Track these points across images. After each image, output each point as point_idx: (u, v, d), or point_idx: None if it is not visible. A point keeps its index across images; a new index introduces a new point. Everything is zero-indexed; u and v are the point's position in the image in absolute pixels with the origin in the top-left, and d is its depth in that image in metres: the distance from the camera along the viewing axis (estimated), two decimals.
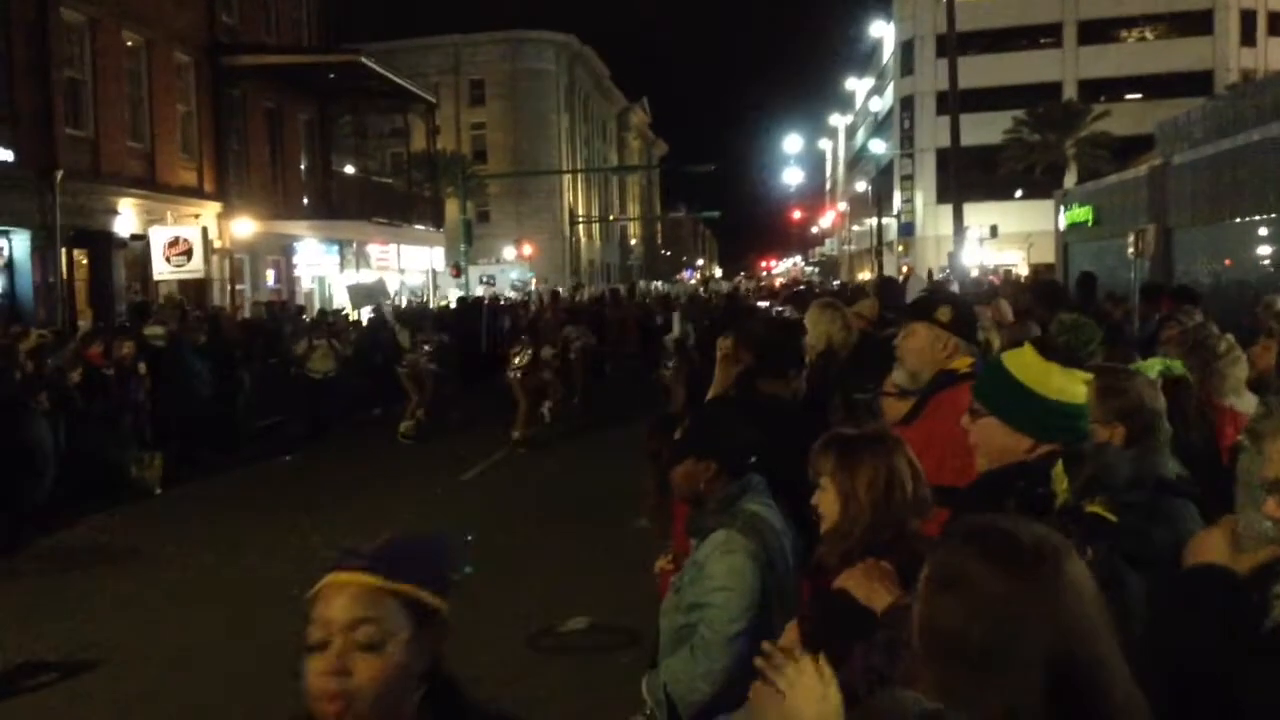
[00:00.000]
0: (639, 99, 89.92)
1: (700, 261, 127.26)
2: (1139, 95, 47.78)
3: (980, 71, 43.88)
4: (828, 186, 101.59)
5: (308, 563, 9.11)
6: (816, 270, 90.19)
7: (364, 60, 26.69)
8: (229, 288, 24.01)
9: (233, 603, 8.08)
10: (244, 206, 24.55)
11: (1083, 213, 28.93)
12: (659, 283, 59.34)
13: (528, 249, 47.42)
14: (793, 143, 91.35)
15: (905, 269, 41.72)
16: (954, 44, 25.25)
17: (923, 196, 53.15)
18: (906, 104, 54.38)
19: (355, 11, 60.56)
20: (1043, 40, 52.00)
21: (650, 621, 3.80)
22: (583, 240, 69.46)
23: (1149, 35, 51.43)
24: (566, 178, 63.74)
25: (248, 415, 15.82)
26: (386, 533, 1.81)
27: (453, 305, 28.50)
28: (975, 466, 2.76)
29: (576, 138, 69.81)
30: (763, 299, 29.87)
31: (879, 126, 64.65)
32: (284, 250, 27.54)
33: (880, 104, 64.95)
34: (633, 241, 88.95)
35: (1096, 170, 37.38)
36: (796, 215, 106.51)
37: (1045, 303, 8.25)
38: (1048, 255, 36.11)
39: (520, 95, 61.88)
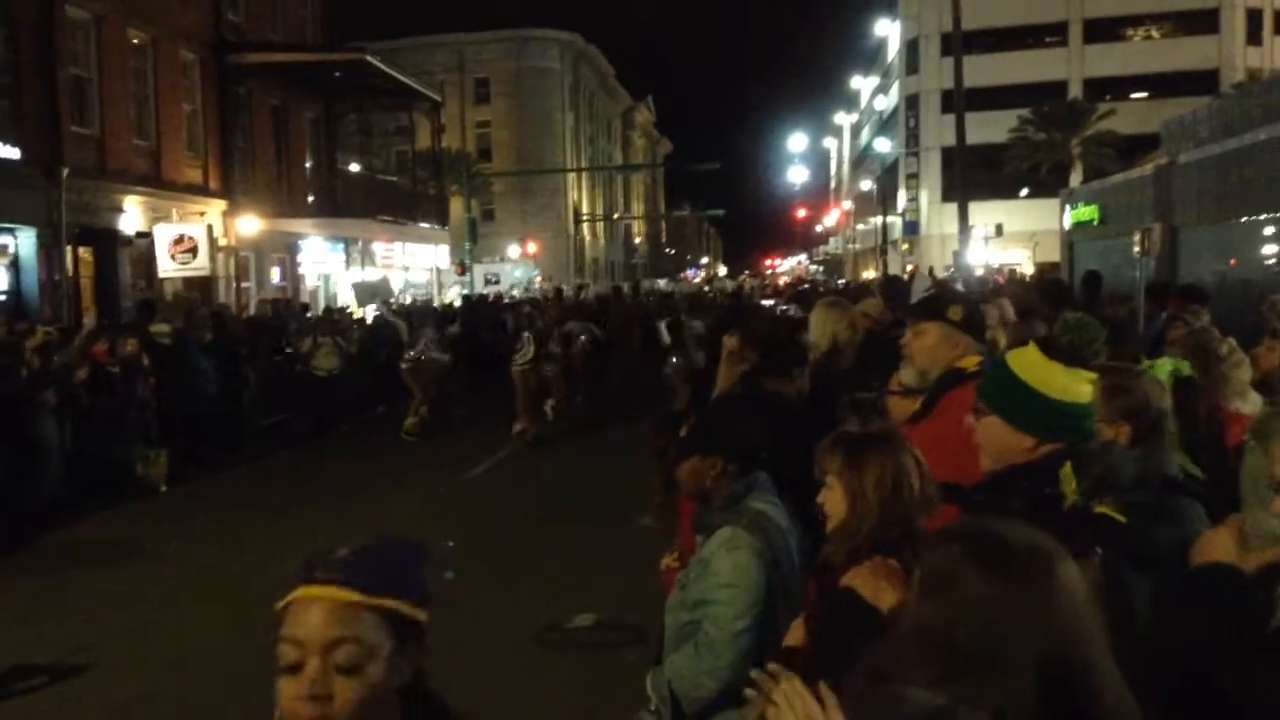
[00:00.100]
0: (644, 97, 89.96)
1: (705, 260, 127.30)
2: (1145, 94, 47.69)
3: (985, 70, 43.84)
4: (832, 185, 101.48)
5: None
6: (821, 269, 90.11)
7: (369, 58, 26.72)
8: (234, 285, 24.05)
9: (235, 602, 8.08)
10: (249, 204, 24.58)
11: (1088, 212, 28.89)
12: (661, 281, 59.31)
13: (532, 247, 47.49)
14: (797, 141, 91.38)
15: (910, 268, 41.68)
16: (959, 42, 25.25)
17: (928, 195, 53.08)
18: (911, 102, 54.29)
19: (360, 9, 60.68)
20: (1048, 39, 51.89)
21: (656, 619, 3.81)
22: (587, 239, 69.50)
23: (1155, 34, 51.34)
24: (571, 176, 63.79)
25: (253, 413, 15.84)
26: (357, 537, 1.68)
27: (456, 304, 28.50)
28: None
29: (581, 136, 69.84)
30: (767, 298, 29.89)
31: (884, 125, 64.58)
32: (289, 248, 27.57)
33: (885, 102, 64.88)
34: (637, 240, 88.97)
35: (1102, 169, 37.32)
36: (801, 214, 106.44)
37: (1051, 302, 8.23)
38: (1053, 254, 36.05)
39: (525, 94, 61.93)
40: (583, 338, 18.70)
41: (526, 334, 15.64)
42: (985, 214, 37.57)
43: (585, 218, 68.08)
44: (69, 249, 18.79)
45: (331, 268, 30.02)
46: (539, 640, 7.09)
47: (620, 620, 7.10)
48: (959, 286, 16.73)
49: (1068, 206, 30.97)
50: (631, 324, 24.03)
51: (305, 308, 23.44)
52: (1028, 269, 39.43)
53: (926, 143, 52.71)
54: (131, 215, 20.63)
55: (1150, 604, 2.25)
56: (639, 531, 9.08)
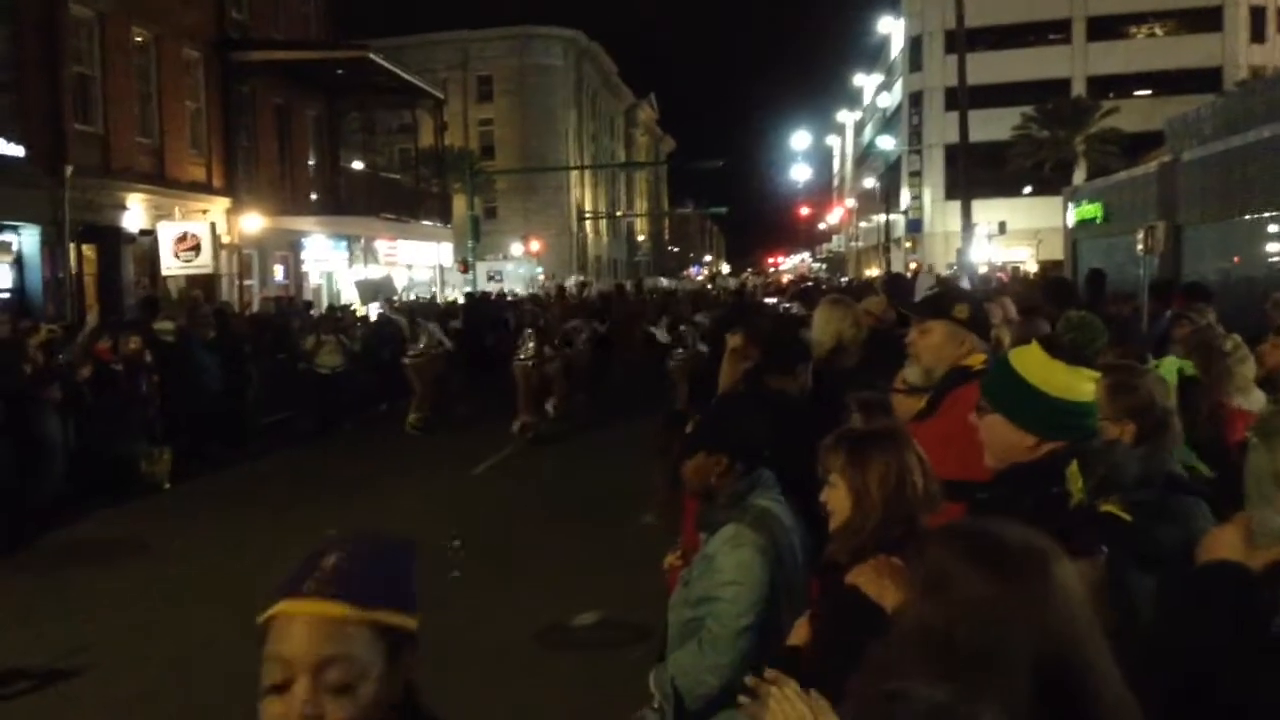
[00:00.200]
0: (647, 95, 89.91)
1: (708, 258, 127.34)
2: (1148, 92, 47.64)
3: (989, 67, 43.79)
4: (835, 183, 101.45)
5: None
6: (824, 267, 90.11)
7: (372, 56, 26.70)
8: (237, 283, 24.05)
9: (237, 600, 8.06)
10: (252, 202, 24.59)
11: (1092, 209, 28.87)
12: (664, 279, 59.32)
13: (535, 245, 47.48)
14: (800, 139, 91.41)
15: (914, 265, 41.65)
16: (963, 40, 25.22)
17: (931, 193, 53.03)
18: (915, 100, 54.26)
19: (363, 7, 60.63)
20: (1052, 36, 51.82)
21: (659, 617, 3.81)
22: (590, 236, 69.49)
23: (1158, 31, 51.27)
24: (574, 174, 63.78)
25: (256, 411, 15.86)
26: (347, 536, 1.57)
27: (459, 301, 28.50)
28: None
29: (584, 134, 69.83)
30: (770, 295, 29.87)
31: (887, 123, 64.53)
32: (292, 246, 27.59)
33: (888, 100, 64.82)
34: (640, 238, 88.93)
35: (1105, 167, 37.27)
36: (804, 211, 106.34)
37: (1054, 300, 8.23)
38: (1056, 252, 36.02)
39: (528, 91, 61.92)
40: (584, 335, 18.71)
41: (528, 330, 15.65)
42: (988, 212, 37.55)
43: (588, 215, 68.08)
44: (73, 247, 18.80)
45: (334, 265, 30.03)
46: (541, 639, 7.09)
47: (623, 619, 7.10)
48: (964, 284, 16.68)
49: (1071, 204, 30.95)
50: (634, 322, 24.03)
51: (308, 305, 23.45)
52: (1031, 267, 39.39)
53: (930, 140, 52.67)
54: (135, 213, 20.64)
55: (1155, 602, 2.24)
56: (641, 530, 9.09)
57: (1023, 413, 2.68)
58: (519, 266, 42.44)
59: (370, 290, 24.51)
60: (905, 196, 54.98)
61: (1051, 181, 40.99)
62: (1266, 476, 2.13)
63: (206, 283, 22.06)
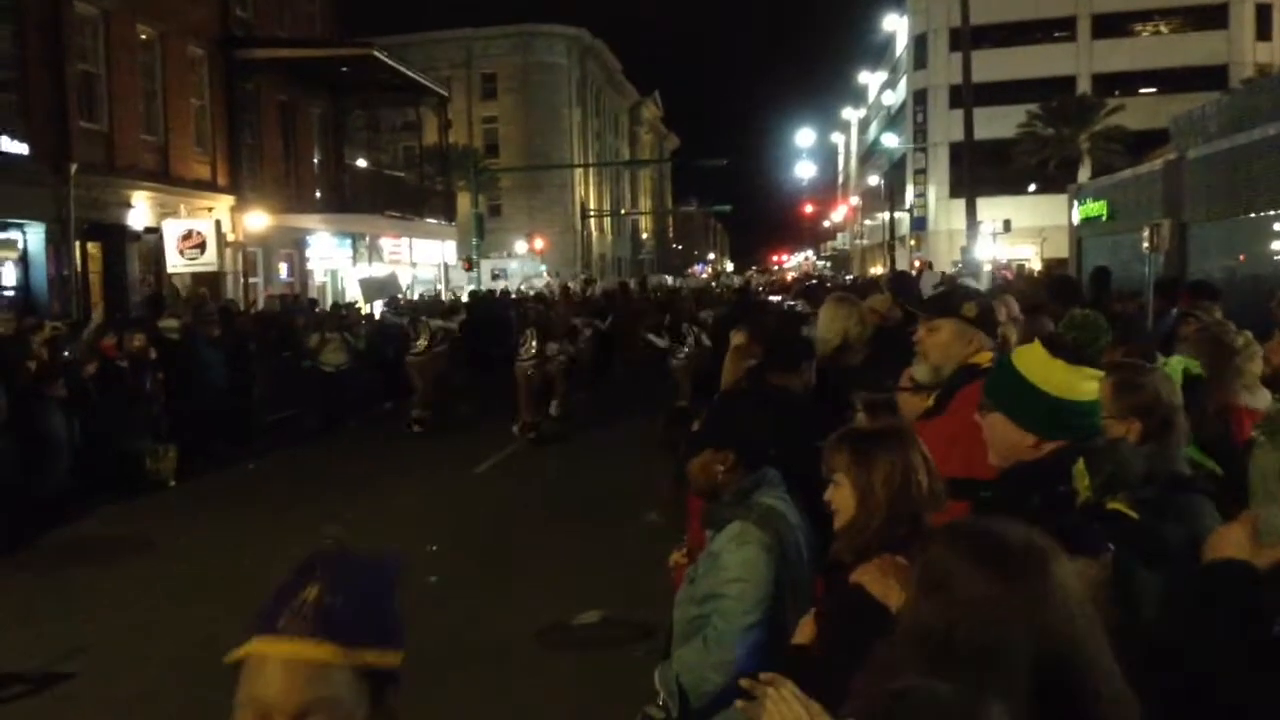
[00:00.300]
0: (651, 93, 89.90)
1: (712, 255, 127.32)
2: (1153, 89, 47.55)
3: (994, 65, 43.69)
4: (840, 180, 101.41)
5: None
6: (828, 265, 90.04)
7: (377, 54, 26.70)
8: (242, 281, 24.07)
9: (240, 598, 8.07)
10: (257, 200, 24.60)
11: (1097, 207, 28.81)
12: (668, 277, 59.29)
13: (539, 243, 47.51)
14: (805, 137, 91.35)
15: (918, 263, 41.62)
16: (968, 37, 25.18)
17: (935, 191, 53.00)
18: (919, 98, 54.21)
19: (367, 5, 60.65)
20: (1056, 34, 51.76)
21: (662, 615, 3.81)
22: (594, 234, 69.50)
23: (1163, 29, 51.18)
24: (578, 171, 63.76)
25: (260, 408, 15.88)
26: (318, 553, 1.44)
27: (464, 299, 28.51)
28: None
29: (588, 132, 69.82)
30: (774, 293, 29.84)
31: (892, 120, 64.48)
32: (297, 243, 27.60)
33: (893, 98, 64.78)
34: (644, 235, 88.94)
35: (1110, 165, 37.22)
36: (808, 209, 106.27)
37: (1059, 298, 8.22)
38: (1061, 250, 35.96)
39: (532, 89, 61.94)
40: (587, 332, 18.71)
41: (530, 330, 15.63)
42: (993, 209, 37.52)
43: (592, 213, 68.07)
44: (77, 244, 18.81)
45: (339, 263, 30.04)
46: (543, 637, 7.09)
47: (625, 617, 7.10)
48: (971, 282, 16.61)
49: (1076, 202, 30.88)
50: (637, 320, 24.03)
51: (313, 303, 23.46)
52: (1035, 265, 39.33)
53: (934, 138, 52.64)
54: (140, 211, 20.65)
55: (1161, 600, 2.24)
56: (644, 528, 9.11)
57: (1023, 412, 2.69)
58: (523, 264, 42.45)
59: (375, 288, 24.54)
60: (910, 194, 54.95)
61: (1056, 179, 40.94)
62: (1273, 475, 2.12)
63: (211, 280, 22.08)
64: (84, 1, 19.31)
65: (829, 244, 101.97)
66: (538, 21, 63.21)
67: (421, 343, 16.28)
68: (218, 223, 21.54)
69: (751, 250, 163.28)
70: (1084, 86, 48.60)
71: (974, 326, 3.69)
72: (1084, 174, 40.26)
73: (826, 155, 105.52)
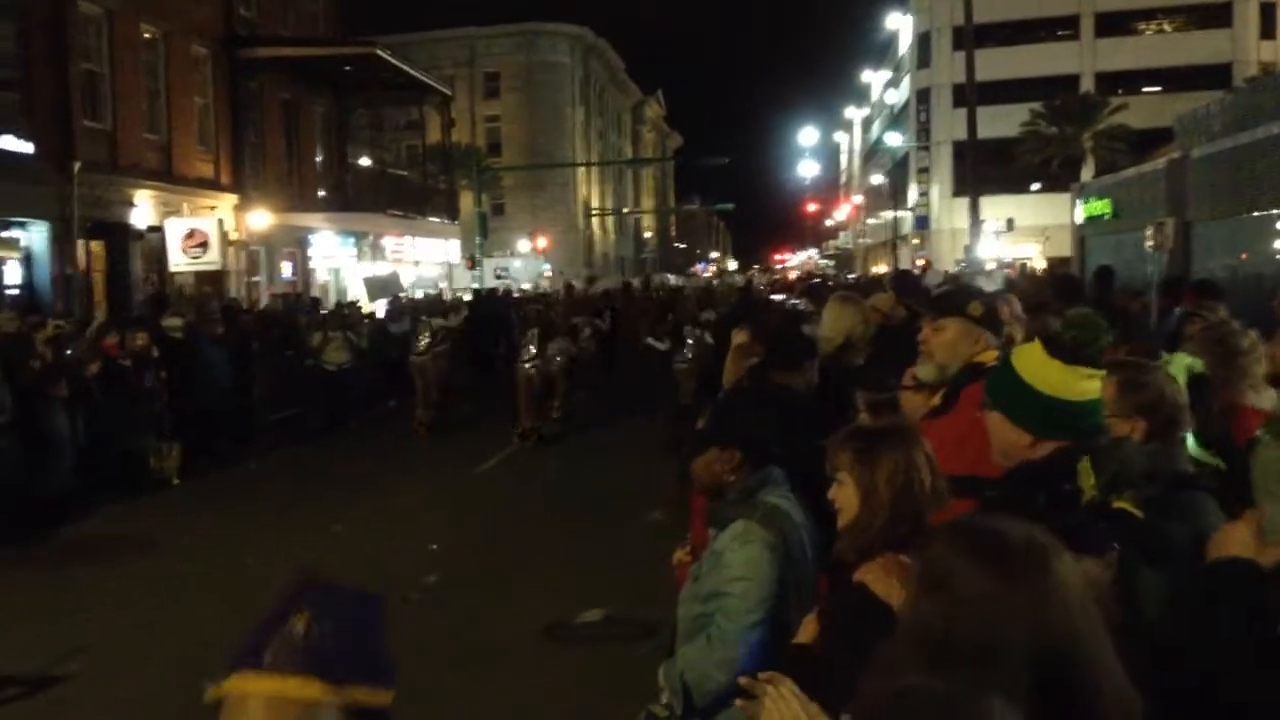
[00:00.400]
0: (654, 91, 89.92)
1: (714, 254, 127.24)
2: (1157, 88, 47.49)
3: (997, 64, 43.67)
4: (843, 179, 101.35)
5: (326, 554, 9.15)
6: (831, 263, 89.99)
7: (380, 52, 26.71)
8: (245, 280, 24.10)
9: (243, 597, 8.08)
10: (260, 198, 24.62)
11: (1100, 206, 28.80)
12: (671, 276, 59.28)
13: (542, 241, 47.48)
14: (808, 135, 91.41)
15: (922, 262, 41.60)
16: (971, 36, 25.15)
17: (939, 189, 52.97)
18: (923, 96, 54.18)
19: (370, 4, 60.66)
20: (1060, 32, 51.71)
21: (666, 614, 3.81)
22: (597, 233, 69.52)
23: (1167, 27, 51.12)
24: (581, 170, 63.78)
25: (263, 407, 15.89)
26: (296, 582, 1.35)
27: (466, 298, 28.50)
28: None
29: (591, 130, 69.82)
30: (777, 292, 29.82)
31: (895, 119, 64.43)
32: (300, 242, 27.61)
33: (896, 96, 64.74)
34: (647, 234, 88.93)
35: (1114, 163, 37.19)
36: (811, 208, 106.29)
37: (1063, 296, 8.21)
38: (1064, 249, 35.94)
39: (535, 88, 61.95)
40: (587, 331, 18.70)
41: (532, 331, 15.60)
42: (996, 208, 37.51)
43: (595, 212, 68.07)
44: (81, 243, 18.83)
45: (342, 262, 30.05)
46: (548, 635, 7.09)
47: (627, 615, 7.10)
48: (982, 282, 16.54)
49: (1079, 201, 30.87)
50: (639, 320, 24.02)
51: (316, 302, 23.47)
52: (1039, 263, 39.31)
53: (937, 137, 52.61)
54: (143, 209, 20.67)
55: (1165, 599, 2.24)
56: (646, 526, 9.12)
57: (1019, 411, 2.71)
58: (526, 263, 42.44)
59: (378, 287, 24.54)
60: (913, 193, 54.92)
61: (1060, 178, 40.94)
62: (1276, 474, 2.12)
63: (214, 279, 22.10)
64: (88, 1, 19.33)
65: (832, 243, 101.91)
66: (541, 20, 63.22)
67: (423, 342, 16.27)
68: (220, 221, 21.57)
69: (754, 249, 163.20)
70: (1087, 85, 48.55)
71: (980, 325, 3.69)
72: (1087, 173, 40.22)
73: (829, 154, 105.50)
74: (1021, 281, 19.39)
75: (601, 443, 14.77)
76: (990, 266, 28.01)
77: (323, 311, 20.05)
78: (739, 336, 5.70)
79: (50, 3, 18.25)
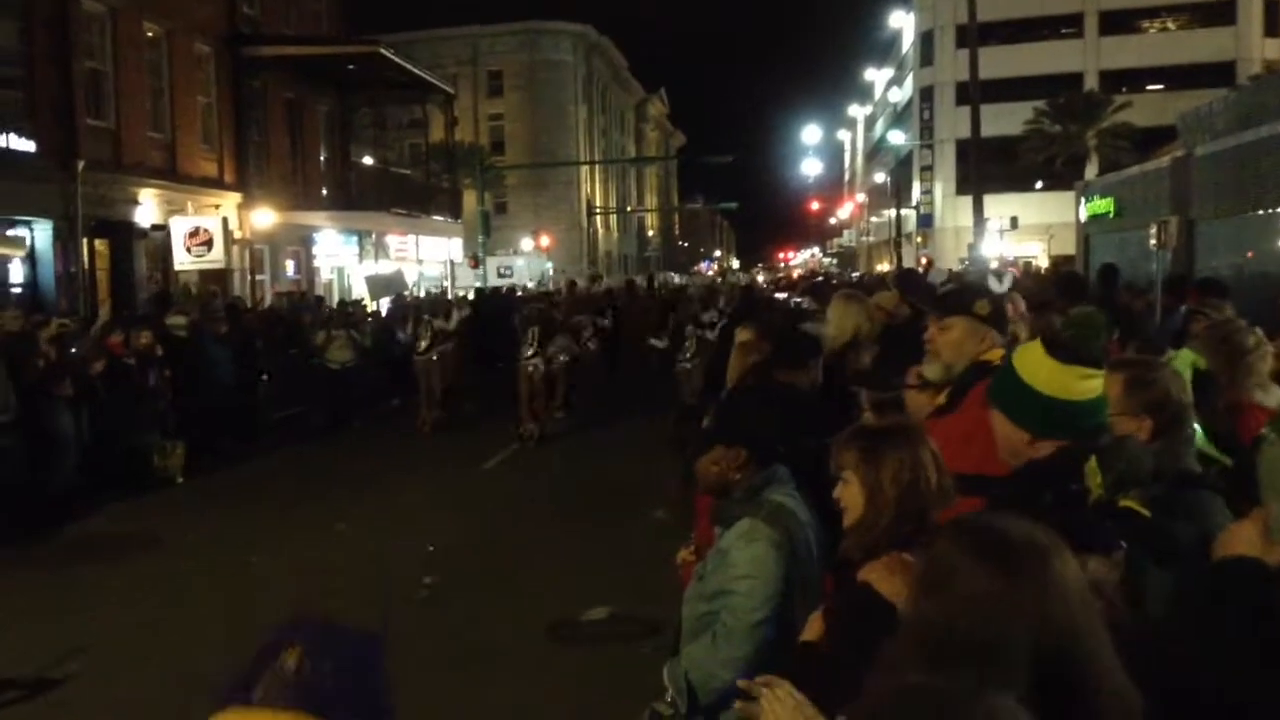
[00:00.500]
0: (657, 90, 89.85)
1: (718, 253, 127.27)
2: (1161, 86, 47.39)
3: (1001, 62, 43.61)
4: (846, 178, 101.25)
5: (329, 553, 9.15)
6: (834, 262, 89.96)
7: (383, 51, 26.71)
8: (249, 278, 24.11)
9: (247, 595, 8.09)
10: (264, 197, 24.63)
11: (1104, 204, 28.77)
12: (674, 275, 59.26)
13: (545, 240, 47.47)
14: (811, 134, 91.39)
15: (925, 260, 41.57)
16: (975, 34, 25.14)
17: (942, 188, 52.90)
18: (926, 94, 54.09)
19: (373, 2, 60.68)
20: (1064, 30, 51.61)
21: (670, 612, 3.81)
22: (600, 231, 69.48)
23: (1171, 26, 51.03)
24: (584, 169, 63.75)
25: (267, 405, 15.90)
26: (288, 625, 1.25)
27: (464, 295, 28.49)
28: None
29: (594, 129, 69.79)
30: (781, 290, 29.81)
31: (898, 117, 64.37)
32: (303, 241, 27.63)
33: (899, 94, 64.66)
34: (650, 233, 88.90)
35: (1118, 161, 37.12)
36: (814, 206, 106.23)
37: (1067, 295, 8.21)
38: (1068, 247, 35.90)
39: (538, 86, 61.92)
40: (589, 330, 18.67)
41: (533, 330, 15.57)
42: (1000, 206, 37.45)
43: (598, 210, 68.03)
44: (85, 241, 18.85)
45: (345, 261, 30.07)
46: (552, 633, 7.09)
47: (632, 613, 7.10)
48: (993, 280, 16.50)
49: (1083, 199, 30.84)
50: (642, 318, 24.00)
51: (319, 300, 23.49)
52: (1043, 262, 39.27)
53: (941, 135, 52.52)
54: (147, 208, 20.69)
55: (1171, 598, 2.23)
56: (650, 525, 9.12)
57: (1017, 409, 2.73)
58: (529, 262, 42.42)
59: (381, 286, 24.54)
60: (916, 191, 54.83)
61: (1063, 176, 40.84)
62: None
63: (218, 278, 22.12)
64: None
65: (835, 241, 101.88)
66: (544, 19, 63.18)
67: (423, 343, 16.25)
68: (224, 220, 21.59)
69: (758, 247, 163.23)
70: (1091, 83, 48.47)
71: (986, 324, 3.69)
72: (1091, 171, 40.14)
73: (833, 152, 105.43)
74: (1025, 280, 19.38)
75: (604, 441, 14.77)
76: (994, 265, 27.99)
77: (326, 310, 20.07)
78: (743, 334, 5.71)
79: (53, 1, 18.26)
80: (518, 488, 12.11)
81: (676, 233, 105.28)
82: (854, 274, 46.08)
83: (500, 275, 36.68)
